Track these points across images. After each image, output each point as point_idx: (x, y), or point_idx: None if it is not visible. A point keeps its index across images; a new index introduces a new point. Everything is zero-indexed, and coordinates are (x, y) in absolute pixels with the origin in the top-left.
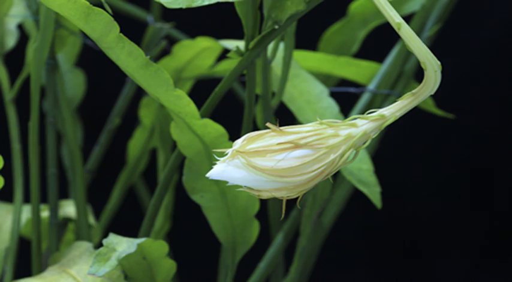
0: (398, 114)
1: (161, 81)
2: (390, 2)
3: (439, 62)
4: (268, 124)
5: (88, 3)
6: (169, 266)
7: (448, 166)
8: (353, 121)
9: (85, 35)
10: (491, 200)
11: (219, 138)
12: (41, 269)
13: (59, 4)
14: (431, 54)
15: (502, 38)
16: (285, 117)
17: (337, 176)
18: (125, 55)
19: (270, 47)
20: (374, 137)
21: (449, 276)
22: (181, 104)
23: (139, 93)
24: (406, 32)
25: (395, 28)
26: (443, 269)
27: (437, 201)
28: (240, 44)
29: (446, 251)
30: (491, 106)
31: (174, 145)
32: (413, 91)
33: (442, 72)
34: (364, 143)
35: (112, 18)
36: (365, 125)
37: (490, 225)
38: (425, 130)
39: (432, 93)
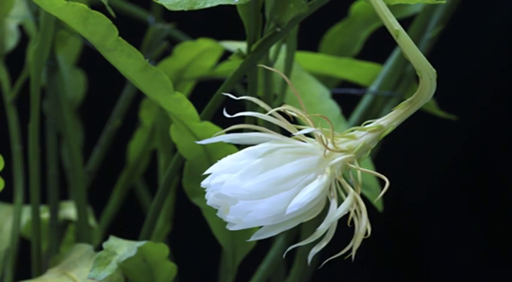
0: (396, 124)
1: (160, 84)
2: (392, 5)
3: (434, 70)
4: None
5: (86, 7)
6: (170, 269)
7: (449, 167)
8: (352, 133)
9: None
10: (492, 201)
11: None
12: (41, 270)
13: (57, 8)
14: (427, 63)
15: (503, 39)
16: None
17: None
18: (124, 58)
19: (272, 49)
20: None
21: (450, 277)
22: (181, 106)
23: (140, 94)
24: (404, 40)
25: (394, 35)
26: (444, 270)
27: (438, 203)
28: (242, 45)
29: (447, 253)
30: (491, 106)
31: (174, 146)
32: (409, 99)
33: (444, 73)
34: (365, 154)
35: (111, 22)
36: (364, 137)
37: (491, 226)
38: (426, 131)
39: (428, 100)
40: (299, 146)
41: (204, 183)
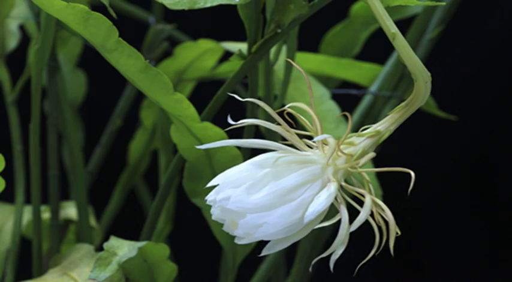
0: (393, 128)
1: (160, 85)
2: (392, 6)
3: (429, 74)
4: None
5: (87, 8)
6: (171, 269)
7: (449, 168)
8: (351, 139)
9: None
10: (493, 201)
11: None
12: (42, 270)
13: (58, 9)
14: (422, 66)
15: (503, 39)
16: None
17: None
18: (124, 59)
19: (273, 49)
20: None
21: (451, 278)
22: (181, 107)
23: (141, 94)
24: (400, 43)
25: (390, 38)
26: (444, 270)
27: (438, 203)
28: (242, 46)
29: (447, 253)
30: (492, 107)
31: (175, 147)
32: (404, 103)
33: (444, 73)
34: (366, 160)
35: (111, 23)
36: (363, 143)
37: (493, 226)
38: (427, 131)
39: (423, 104)
40: (301, 155)
41: (209, 199)
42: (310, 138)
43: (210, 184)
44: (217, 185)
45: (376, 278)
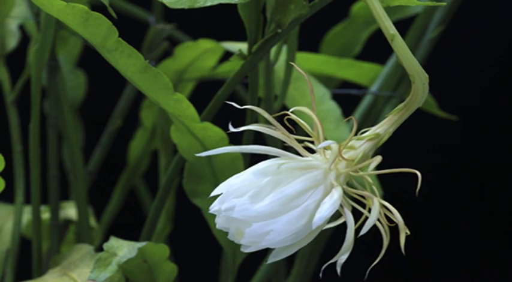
0: (392, 130)
1: (160, 85)
2: (392, 7)
3: (427, 75)
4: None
5: (86, 8)
6: (171, 270)
7: (448, 167)
8: (350, 143)
9: None
10: (493, 201)
11: (219, 142)
12: (42, 270)
13: (57, 9)
14: (420, 67)
15: (504, 39)
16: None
17: None
18: (124, 59)
19: (273, 49)
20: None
21: (450, 277)
22: (181, 107)
23: (141, 94)
24: (399, 44)
25: (389, 39)
26: (444, 269)
27: (438, 203)
28: (242, 46)
29: (447, 252)
30: (492, 106)
31: (175, 147)
32: (402, 104)
33: (444, 73)
34: (368, 165)
35: (111, 23)
36: (363, 146)
37: (491, 226)
38: (427, 131)
39: (420, 105)
40: (303, 160)
41: (213, 209)
42: (312, 140)
43: (213, 194)
44: (220, 194)
45: (375, 278)
